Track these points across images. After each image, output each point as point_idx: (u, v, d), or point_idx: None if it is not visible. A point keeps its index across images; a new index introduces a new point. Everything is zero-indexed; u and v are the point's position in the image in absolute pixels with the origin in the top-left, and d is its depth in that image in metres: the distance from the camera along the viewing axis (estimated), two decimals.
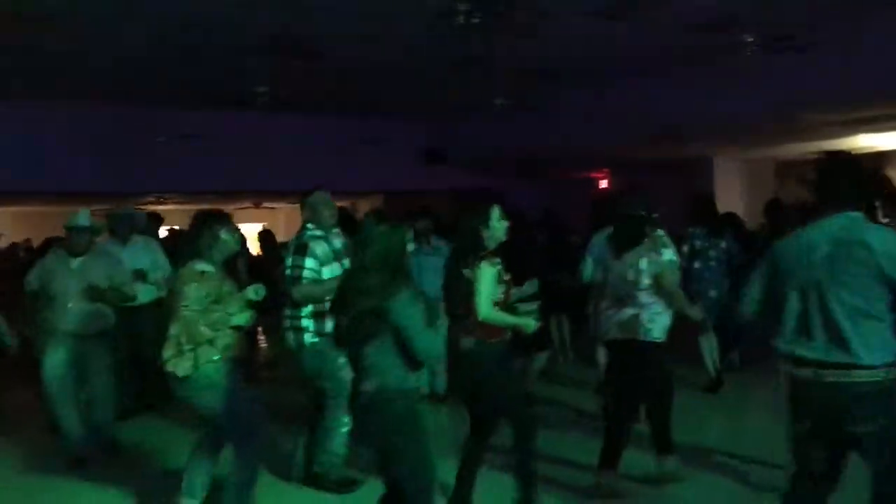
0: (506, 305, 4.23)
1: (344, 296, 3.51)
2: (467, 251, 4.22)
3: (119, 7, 7.08)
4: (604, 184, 15.65)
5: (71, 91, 10.48)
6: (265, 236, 9.53)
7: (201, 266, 4.15)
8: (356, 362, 3.47)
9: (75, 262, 5.69)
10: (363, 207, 18.58)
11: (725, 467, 5.19)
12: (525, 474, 4.27)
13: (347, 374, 3.86)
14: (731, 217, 7.98)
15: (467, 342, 4.14)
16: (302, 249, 4.78)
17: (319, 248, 4.80)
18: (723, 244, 7.24)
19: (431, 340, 3.41)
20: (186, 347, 4.04)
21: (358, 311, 3.36)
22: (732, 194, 12.52)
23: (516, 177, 15.01)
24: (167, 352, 4.11)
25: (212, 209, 4.49)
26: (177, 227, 12.29)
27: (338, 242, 4.95)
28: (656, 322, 4.67)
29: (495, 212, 4.26)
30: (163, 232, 9.62)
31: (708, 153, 12.72)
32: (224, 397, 4.14)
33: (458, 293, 4.17)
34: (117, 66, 9.21)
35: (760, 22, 7.64)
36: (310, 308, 4.77)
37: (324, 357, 4.70)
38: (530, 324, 4.25)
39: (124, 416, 6.47)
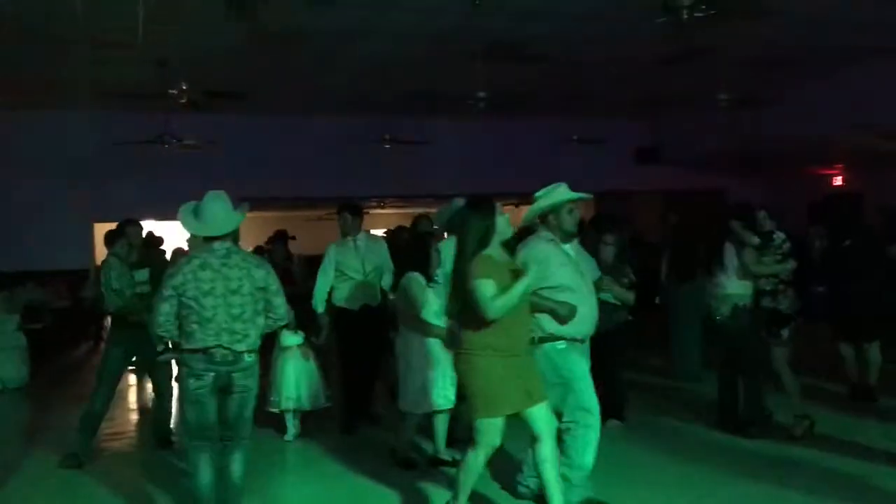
0: None
1: None
2: None
3: (358, 25, 7.53)
4: (838, 181, 14.38)
5: (306, 104, 11.32)
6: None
7: None
8: None
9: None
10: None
11: None
12: None
13: None
14: None
15: None
16: None
17: None
18: None
19: None
20: None
21: None
22: None
23: (734, 176, 14.16)
24: None
25: None
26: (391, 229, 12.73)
27: None
28: None
29: None
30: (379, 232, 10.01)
31: None
32: None
33: None
34: (351, 79, 9.85)
35: None
36: None
37: None
38: None
39: None
